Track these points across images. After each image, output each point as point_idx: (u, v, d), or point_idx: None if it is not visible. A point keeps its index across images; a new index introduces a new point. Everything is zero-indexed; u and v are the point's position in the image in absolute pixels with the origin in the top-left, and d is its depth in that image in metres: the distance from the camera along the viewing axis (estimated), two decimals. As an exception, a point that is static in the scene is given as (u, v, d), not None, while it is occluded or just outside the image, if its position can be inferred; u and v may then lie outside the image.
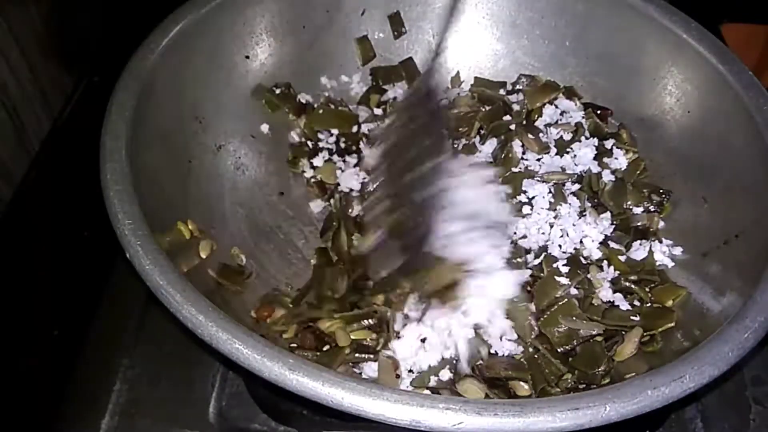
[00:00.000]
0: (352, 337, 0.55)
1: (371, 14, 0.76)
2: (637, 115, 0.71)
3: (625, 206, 0.66)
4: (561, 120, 0.72)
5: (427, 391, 0.53)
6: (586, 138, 0.70)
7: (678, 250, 0.64)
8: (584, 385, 0.55)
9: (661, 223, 0.66)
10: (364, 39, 0.77)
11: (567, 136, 0.70)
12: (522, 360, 0.56)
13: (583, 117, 0.72)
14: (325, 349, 0.56)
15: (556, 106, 0.73)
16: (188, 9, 0.65)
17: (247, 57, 0.71)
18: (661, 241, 0.65)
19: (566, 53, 0.75)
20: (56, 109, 0.85)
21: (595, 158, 0.69)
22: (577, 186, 0.66)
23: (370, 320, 0.56)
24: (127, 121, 0.55)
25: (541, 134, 0.70)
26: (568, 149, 0.69)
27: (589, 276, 0.59)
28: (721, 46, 0.66)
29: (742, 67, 0.63)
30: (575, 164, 0.68)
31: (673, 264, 0.63)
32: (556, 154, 0.69)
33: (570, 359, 0.55)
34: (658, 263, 0.63)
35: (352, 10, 0.75)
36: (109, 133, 0.54)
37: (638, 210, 0.66)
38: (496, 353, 0.56)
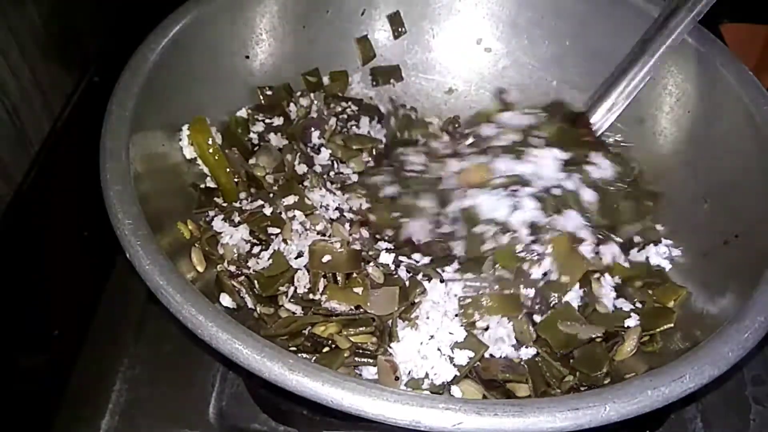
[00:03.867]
0: (353, 340, 0.55)
1: (371, 14, 0.76)
2: (637, 115, 0.71)
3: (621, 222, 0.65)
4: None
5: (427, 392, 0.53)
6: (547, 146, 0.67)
7: (678, 251, 0.64)
8: (586, 387, 0.54)
9: (660, 227, 0.66)
10: (364, 39, 0.77)
11: (517, 137, 0.68)
12: (522, 363, 0.55)
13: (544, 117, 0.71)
14: (324, 351, 0.55)
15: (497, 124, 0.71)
16: (188, 9, 0.65)
17: (247, 57, 0.71)
18: (661, 242, 0.65)
19: (566, 53, 0.75)
20: (56, 109, 0.85)
21: (566, 166, 0.65)
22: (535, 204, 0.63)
23: (365, 327, 0.56)
24: (127, 121, 0.55)
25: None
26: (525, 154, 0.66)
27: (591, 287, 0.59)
28: (721, 46, 0.66)
29: (742, 67, 0.63)
30: (538, 177, 0.64)
31: (672, 264, 0.63)
32: (513, 158, 0.66)
33: (571, 361, 0.55)
34: (657, 264, 0.63)
35: (352, 10, 0.75)
36: (109, 133, 0.54)
37: (633, 228, 0.65)
38: (492, 355, 0.56)
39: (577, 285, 0.58)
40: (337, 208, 0.65)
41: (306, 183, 0.66)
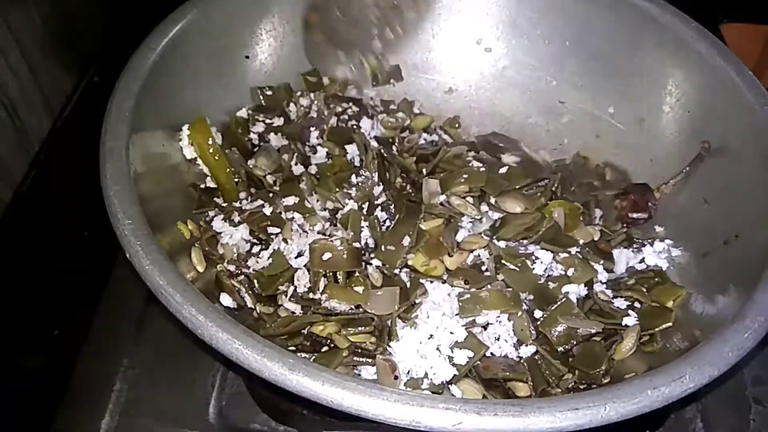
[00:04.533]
0: (351, 339, 0.55)
1: (371, 14, 0.76)
2: (637, 115, 0.72)
3: None
4: None
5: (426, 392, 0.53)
6: None
7: (678, 251, 0.64)
8: (585, 386, 0.55)
9: (660, 227, 0.66)
10: (364, 39, 0.77)
11: None
12: (522, 362, 0.55)
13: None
14: (323, 350, 0.56)
15: None
16: (188, 9, 0.65)
17: (247, 57, 0.71)
18: (661, 241, 0.65)
19: (566, 53, 0.75)
20: (56, 109, 0.85)
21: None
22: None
23: (365, 326, 0.56)
24: (127, 121, 0.55)
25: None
26: None
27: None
28: (721, 46, 0.66)
29: (742, 67, 0.63)
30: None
31: (672, 264, 0.63)
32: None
33: (570, 359, 0.55)
34: (656, 264, 0.63)
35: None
36: (109, 133, 0.54)
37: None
38: (493, 354, 0.56)
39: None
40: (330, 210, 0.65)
41: (302, 185, 0.66)
